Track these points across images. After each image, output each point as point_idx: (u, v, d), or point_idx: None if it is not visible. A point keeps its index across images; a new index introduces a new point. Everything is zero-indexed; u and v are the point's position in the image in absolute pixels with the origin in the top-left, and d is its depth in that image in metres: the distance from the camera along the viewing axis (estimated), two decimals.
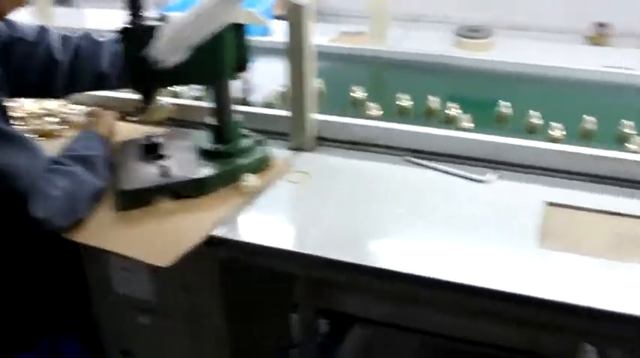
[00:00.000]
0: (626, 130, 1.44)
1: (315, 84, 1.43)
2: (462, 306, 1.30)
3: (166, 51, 1.21)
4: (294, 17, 1.31)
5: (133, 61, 1.24)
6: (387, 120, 1.49)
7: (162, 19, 1.23)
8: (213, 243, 1.18)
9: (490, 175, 1.33)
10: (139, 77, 1.27)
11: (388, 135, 1.43)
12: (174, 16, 1.23)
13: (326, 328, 2.01)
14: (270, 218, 1.27)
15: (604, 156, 1.31)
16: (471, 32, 2.06)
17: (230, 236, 1.19)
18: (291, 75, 1.38)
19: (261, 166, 1.36)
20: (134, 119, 1.52)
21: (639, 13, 3.67)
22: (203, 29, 1.20)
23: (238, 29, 1.27)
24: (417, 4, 3.74)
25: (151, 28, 1.21)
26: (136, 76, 1.27)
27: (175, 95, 1.65)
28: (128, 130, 1.50)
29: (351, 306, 1.91)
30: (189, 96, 1.66)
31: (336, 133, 1.47)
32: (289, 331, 1.80)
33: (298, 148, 1.45)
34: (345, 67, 1.93)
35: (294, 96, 1.40)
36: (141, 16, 1.22)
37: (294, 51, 1.35)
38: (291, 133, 1.45)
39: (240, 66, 1.30)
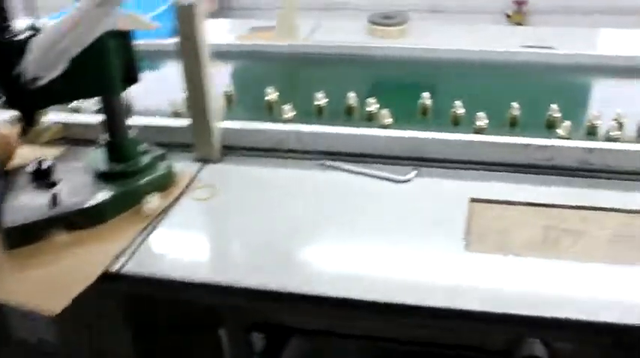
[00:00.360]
0: (554, 114, 1.38)
1: (215, 88, 1.31)
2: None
3: (40, 66, 1.07)
4: (184, 16, 1.19)
5: (2, 79, 1.09)
6: (303, 122, 1.39)
7: (32, 29, 1.09)
8: (113, 278, 1.06)
9: (411, 174, 1.25)
10: (13, 97, 1.12)
11: (301, 138, 1.33)
12: (47, 25, 1.10)
13: (261, 343, 1.90)
14: (178, 243, 1.15)
15: (528, 145, 1.24)
16: (385, 19, 1.97)
17: (133, 269, 1.07)
18: (187, 80, 1.26)
19: (164, 184, 1.23)
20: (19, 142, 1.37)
21: None
22: (80, 38, 1.07)
23: (123, 36, 1.14)
24: None
25: (20, 41, 1.07)
26: (10, 97, 1.13)
27: (76, 110, 1.51)
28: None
29: (287, 317, 1.80)
30: (91, 110, 1.52)
31: (245, 140, 1.35)
32: (219, 352, 1.69)
33: (204, 160, 1.33)
34: (256, 65, 1.81)
35: (194, 103, 1.28)
36: (7, 27, 1.08)
37: (187, 54, 1.23)
38: (195, 144, 1.33)
39: (130, 76, 1.17)
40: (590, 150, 1.22)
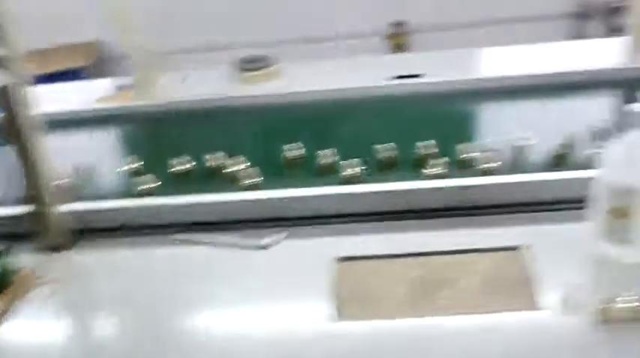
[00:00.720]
0: (429, 151, 1.34)
1: (51, 164, 1.18)
2: None
3: None
4: (2, 98, 1.08)
5: None
6: (164, 191, 1.29)
7: None
8: None
9: (274, 237, 1.17)
10: None
11: (156, 213, 1.22)
12: None
13: None
14: (17, 355, 1.02)
15: (392, 191, 1.19)
16: (252, 63, 1.90)
17: None
18: (20, 163, 1.14)
19: (2, 285, 1.10)
20: None
21: (429, 7, 3.72)
22: None
23: None
24: (195, 35, 3.57)
25: None
26: None
27: None
28: None
29: None
30: None
31: (97, 221, 1.24)
32: None
33: (50, 249, 1.20)
34: (116, 131, 1.67)
35: (30, 187, 1.16)
36: None
37: (14, 136, 1.11)
38: (39, 232, 1.20)
39: None
40: (455, 189, 1.18)
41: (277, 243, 1.16)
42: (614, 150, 1.00)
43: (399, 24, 3.68)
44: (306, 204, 1.20)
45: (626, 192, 1.00)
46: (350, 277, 1.06)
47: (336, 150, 1.36)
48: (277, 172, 1.36)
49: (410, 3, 3.64)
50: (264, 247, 1.15)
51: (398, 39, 3.63)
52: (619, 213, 1.02)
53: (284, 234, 1.17)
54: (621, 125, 1.00)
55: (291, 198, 1.20)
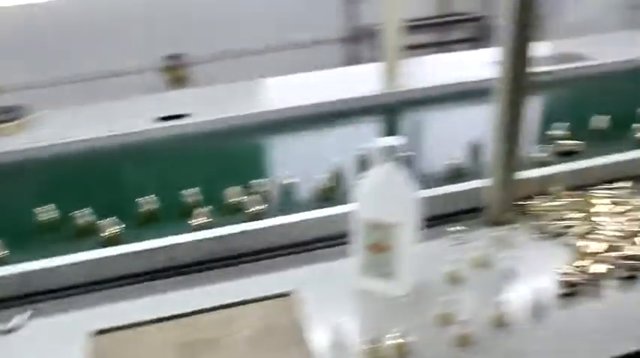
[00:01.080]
0: (191, 199, 1.28)
1: None
2: None
3: None
4: None
5: None
6: None
7: None
8: None
9: (19, 319, 1.03)
10: None
11: None
12: None
13: None
14: None
15: (153, 248, 1.10)
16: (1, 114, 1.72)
17: None
18: None
19: None
20: None
21: (206, 38, 3.68)
22: None
23: None
24: None
25: None
26: None
27: None
28: None
29: None
30: None
31: None
32: None
33: None
34: None
35: None
36: None
37: None
38: None
39: None
40: (219, 238, 1.13)
41: (23, 324, 1.02)
42: (364, 185, 1.01)
43: (174, 57, 3.58)
44: (56, 276, 1.07)
45: (379, 227, 1.00)
46: (108, 352, 0.96)
47: (93, 209, 1.25)
48: (27, 241, 1.22)
49: (185, 35, 3.58)
50: (9, 331, 1.01)
51: (175, 72, 3.53)
52: (377, 248, 1.02)
53: (28, 314, 1.04)
54: (370, 159, 1.00)
55: (37, 271, 1.07)
